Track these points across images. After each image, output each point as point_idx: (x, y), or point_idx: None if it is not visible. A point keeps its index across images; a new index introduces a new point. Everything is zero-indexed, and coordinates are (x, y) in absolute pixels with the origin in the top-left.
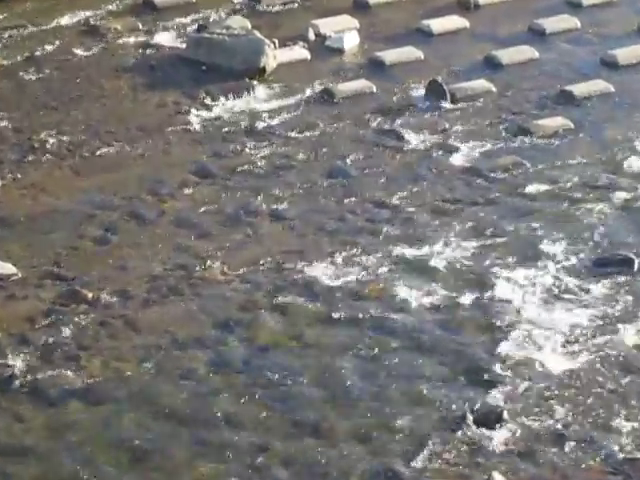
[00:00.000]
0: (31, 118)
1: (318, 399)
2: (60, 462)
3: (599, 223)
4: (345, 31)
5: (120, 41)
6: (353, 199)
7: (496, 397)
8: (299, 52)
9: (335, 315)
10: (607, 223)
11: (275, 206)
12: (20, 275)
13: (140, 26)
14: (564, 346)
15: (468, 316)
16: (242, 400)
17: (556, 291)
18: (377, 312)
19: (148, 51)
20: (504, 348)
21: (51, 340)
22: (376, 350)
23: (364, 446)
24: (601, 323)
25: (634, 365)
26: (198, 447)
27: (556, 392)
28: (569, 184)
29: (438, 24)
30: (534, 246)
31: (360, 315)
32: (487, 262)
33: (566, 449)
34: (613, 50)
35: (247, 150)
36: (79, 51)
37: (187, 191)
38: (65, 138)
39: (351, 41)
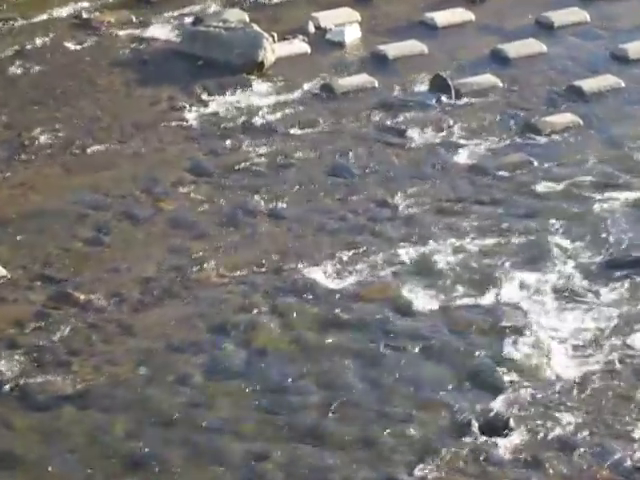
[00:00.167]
0: (21, 114)
1: (318, 405)
2: (51, 470)
3: (610, 223)
4: (346, 24)
5: (113, 35)
6: (354, 198)
7: (503, 403)
8: (299, 46)
9: (336, 318)
10: (618, 223)
11: (274, 205)
12: (9, 277)
13: (134, 19)
14: (573, 350)
15: (474, 319)
16: (239, 406)
17: (565, 293)
18: (379, 315)
19: (142, 45)
20: (511, 352)
21: (42, 344)
22: (378, 354)
23: (366, 453)
24: (612, 326)
25: None
26: (194, 455)
27: (565, 398)
28: (578, 183)
29: (442, 17)
30: (542, 247)
31: (362, 318)
32: (493, 263)
33: (575, 457)
34: (624, 44)
35: (244, 147)
36: (70, 45)
37: (182, 190)
38: (56, 135)
39: (352, 34)
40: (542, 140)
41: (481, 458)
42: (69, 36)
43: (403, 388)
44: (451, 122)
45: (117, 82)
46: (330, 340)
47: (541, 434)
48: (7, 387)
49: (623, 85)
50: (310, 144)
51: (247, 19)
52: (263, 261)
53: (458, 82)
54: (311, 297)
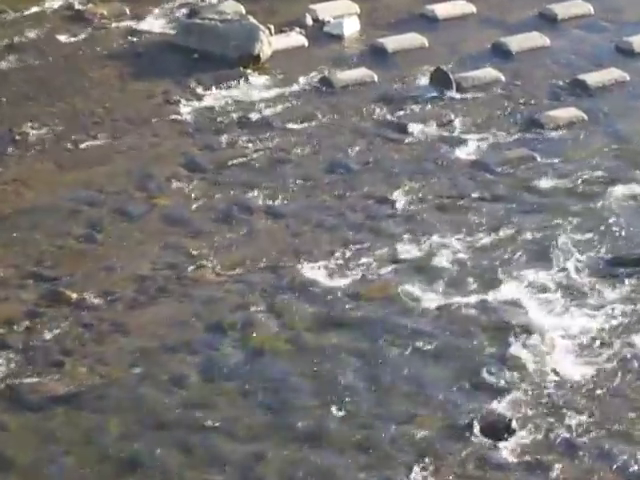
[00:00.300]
0: (12, 109)
1: (316, 405)
2: (43, 473)
3: (614, 220)
4: (345, 16)
5: (107, 27)
6: (353, 194)
7: (505, 405)
8: (296, 39)
9: (335, 317)
10: (623, 220)
11: (271, 202)
12: (0, 275)
13: (127, 11)
14: (577, 350)
15: (475, 318)
16: (236, 406)
17: (568, 292)
18: (379, 314)
19: (136, 38)
20: (513, 352)
21: (33, 343)
22: (377, 354)
23: (364, 455)
24: (616, 326)
25: None
26: (189, 456)
27: (569, 399)
28: (582, 179)
29: (443, 9)
30: (545, 244)
31: (361, 317)
32: (495, 261)
33: (579, 460)
34: (629, 37)
35: (241, 142)
36: (63, 38)
37: (178, 186)
38: (48, 130)
39: (351, 27)
40: (545, 135)
41: (483, 461)
42: (62, 29)
43: (403, 388)
44: (452, 117)
45: (111, 75)
46: (329, 339)
47: (545, 436)
48: None
49: (628, 79)
50: (308, 139)
51: (243, 11)
52: (260, 259)
53: (459, 76)
54: (309, 295)
